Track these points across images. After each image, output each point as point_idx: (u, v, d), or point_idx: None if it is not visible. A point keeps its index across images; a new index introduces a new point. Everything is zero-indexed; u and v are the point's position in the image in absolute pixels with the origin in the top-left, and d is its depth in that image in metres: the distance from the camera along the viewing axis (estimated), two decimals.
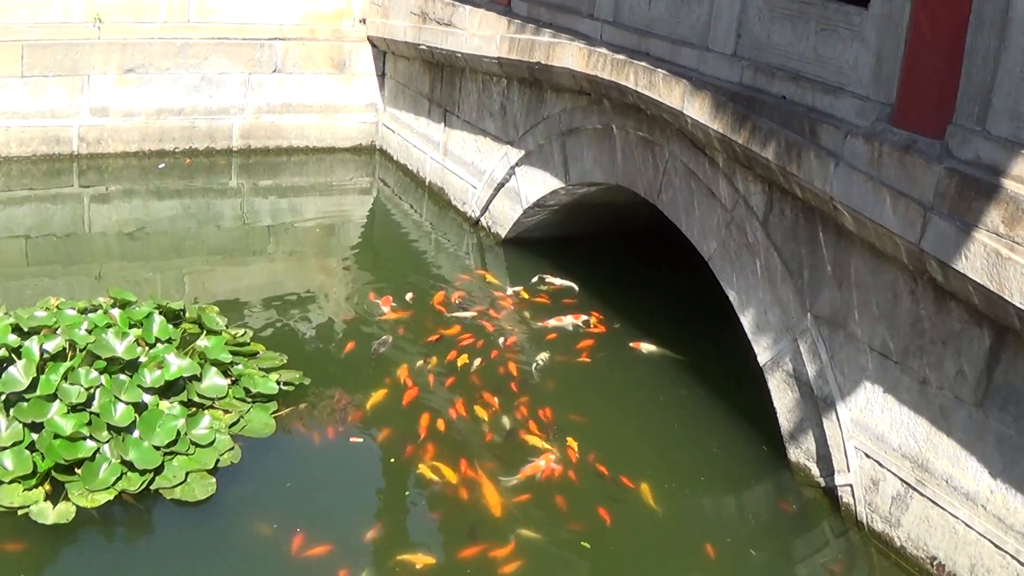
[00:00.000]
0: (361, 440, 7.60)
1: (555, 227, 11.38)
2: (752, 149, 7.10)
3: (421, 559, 6.30)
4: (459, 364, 8.65)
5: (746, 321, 7.75)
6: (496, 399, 8.13)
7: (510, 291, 10.29)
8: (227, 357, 7.70)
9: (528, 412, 7.98)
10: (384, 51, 14.34)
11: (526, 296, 10.17)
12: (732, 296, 7.89)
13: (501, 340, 9.19)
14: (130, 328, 7.60)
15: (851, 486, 6.79)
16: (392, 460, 7.37)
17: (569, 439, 7.61)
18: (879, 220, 6.07)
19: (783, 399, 7.44)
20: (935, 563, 6.20)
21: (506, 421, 7.88)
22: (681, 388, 8.59)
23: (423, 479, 7.11)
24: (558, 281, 10.45)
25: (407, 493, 7.07)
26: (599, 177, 9.75)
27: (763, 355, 7.59)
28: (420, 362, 8.65)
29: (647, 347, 9.18)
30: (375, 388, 8.15)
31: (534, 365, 8.77)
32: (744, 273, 7.74)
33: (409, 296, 9.92)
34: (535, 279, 10.46)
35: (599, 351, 9.12)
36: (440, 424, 7.73)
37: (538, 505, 6.93)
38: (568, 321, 9.59)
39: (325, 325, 9.39)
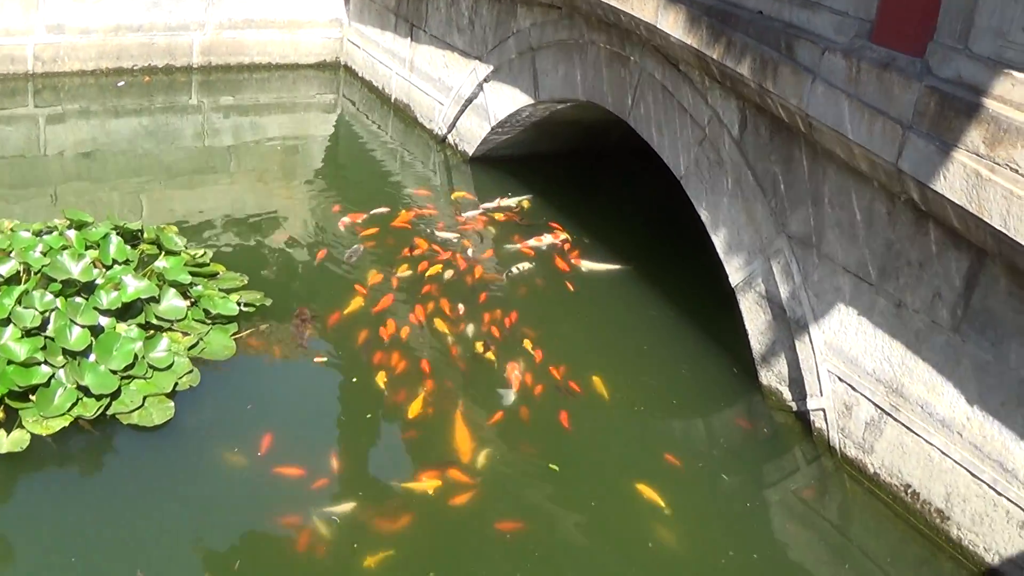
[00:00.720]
0: (325, 359, 7.50)
1: (524, 145, 11.20)
2: (727, 64, 6.92)
3: (386, 483, 6.23)
4: (427, 280, 8.57)
5: (718, 241, 7.64)
6: (464, 316, 8.07)
7: (476, 210, 10.16)
8: (186, 278, 7.55)
9: (497, 330, 7.92)
10: None
11: (497, 216, 10.05)
12: (704, 215, 7.77)
13: (470, 252, 9.15)
14: (86, 250, 7.45)
15: (823, 411, 6.74)
16: (355, 380, 7.26)
17: (536, 358, 7.56)
18: (855, 138, 5.92)
19: (755, 321, 7.36)
20: (909, 491, 6.16)
21: (474, 338, 7.81)
22: (651, 309, 8.52)
23: (388, 399, 7.01)
24: (514, 201, 10.35)
25: (370, 415, 6.94)
26: (569, 93, 9.55)
27: (735, 276, 7.49)
28: (385, 279, 8.55)
29: (588, 265, 9.13)
30: (339, 307, 8.04)
31: (506, 273, 8.80)
32: (717, 192, 7.60)
33: (375, 212, 9.81)
34: (496, 201, 10.36)
35: (568, 271, 9.03)
36: (407, 341, 7.64)
37: (506, 426, 6.85)
38: (547, 240, 9.51)
39: (287, 245, 9.22)
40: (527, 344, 7.74)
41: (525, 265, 8.99)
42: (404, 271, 8.72)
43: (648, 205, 10.42)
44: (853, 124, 5.93)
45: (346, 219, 9.65)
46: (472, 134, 11.25)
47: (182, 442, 6.41)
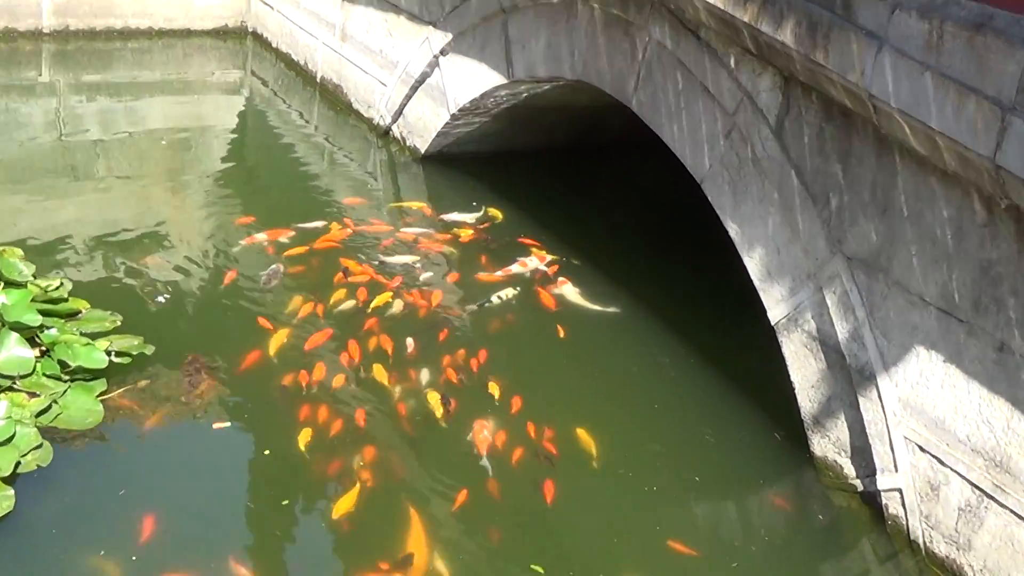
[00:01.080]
0: (227, 425, 7.41)
1: (493, 139, 11.32)
2: (763, 30, 6.92)
3: None
4: (368, 315, 8.61)
5: (752, 264, 7.64)
6: (416, 360, 8.10)
7: (431, 227, 10.25)
8: (35, 319, 7.48)
9: (459, 378, 7.95)
10: None
11: (459, 233, 10.12)
12: (733, 230, 7.77)
13: (423, 279, 9.25)
14: None
15: (900, 491, 6.70)
16: (268, 452, 7.18)
17: (511, 415, 7.58)
18: (937, 126, 5.88)
19: (804, 370, 7.33)
20: None
21: (428, 390, 7.78)
22: (663, 355, 8.56)
23: (313, 478, 6.94)
24: (477, 215, 10.46)
25: (288, 500, 6.83)
26: (554, 70, 9.59)
27: (776, 310, 7.48)
28: (312, 313, 8.58)
29: (578, 295, 9.24)
30: (247, 353, 7.99)
31: (482, 304, 8.97)
32: (750, 199, 7.59)
33: (300, 227, 9.87)
34: (456, 212, 10.48)
35: (553, 308, 9.09)
36: (339, 395, 7.63)
37: (472, 510, 6.78)
38: (531, 265, 9.61)
39: (175, 274, 9.14)
40: (496, 394, 7.74)
41: (509, 292, 9.09)
42: (338, 301, 8.72)
43: (658, 216, 10.50)
44: (934, 107, 5.88)
45: (260, 235, 9.65)
46: (425, 124, 11.30)
47: (25, 543, 6.20)
